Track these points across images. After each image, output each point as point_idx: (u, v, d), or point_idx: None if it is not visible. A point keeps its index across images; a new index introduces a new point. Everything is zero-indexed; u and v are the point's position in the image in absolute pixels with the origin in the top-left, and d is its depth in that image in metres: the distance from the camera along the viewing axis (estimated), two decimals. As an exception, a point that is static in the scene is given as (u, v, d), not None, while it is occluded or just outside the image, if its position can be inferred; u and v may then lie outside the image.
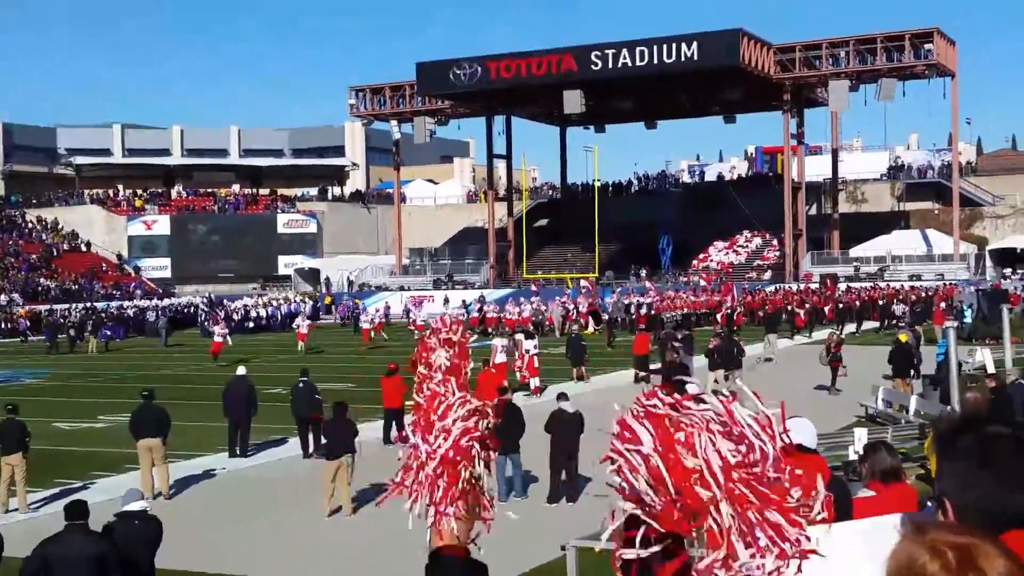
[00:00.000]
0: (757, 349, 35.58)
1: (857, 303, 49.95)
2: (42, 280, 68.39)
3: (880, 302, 50.20)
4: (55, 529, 9.30)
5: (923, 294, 51.90)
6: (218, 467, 19.49)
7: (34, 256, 72.21)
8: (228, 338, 40.36)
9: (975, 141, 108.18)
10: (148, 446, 17.02)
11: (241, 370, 22.16)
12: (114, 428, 24.05)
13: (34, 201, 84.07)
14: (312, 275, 77.56)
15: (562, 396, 16.87)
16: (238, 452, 20.18)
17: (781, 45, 60.75)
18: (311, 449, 19.89)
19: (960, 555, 1.79)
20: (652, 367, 28.09)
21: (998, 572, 1.78)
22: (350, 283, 72.54)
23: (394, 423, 20.89)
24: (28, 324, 56.38)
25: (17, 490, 16.07)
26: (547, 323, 49.14)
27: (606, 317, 48.36)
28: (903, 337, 26.90)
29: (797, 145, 65.45)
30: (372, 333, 45.41)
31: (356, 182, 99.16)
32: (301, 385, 20.67)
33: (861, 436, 16.83)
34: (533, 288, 60.14)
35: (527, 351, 28.36)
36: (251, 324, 57.39)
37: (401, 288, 68.98)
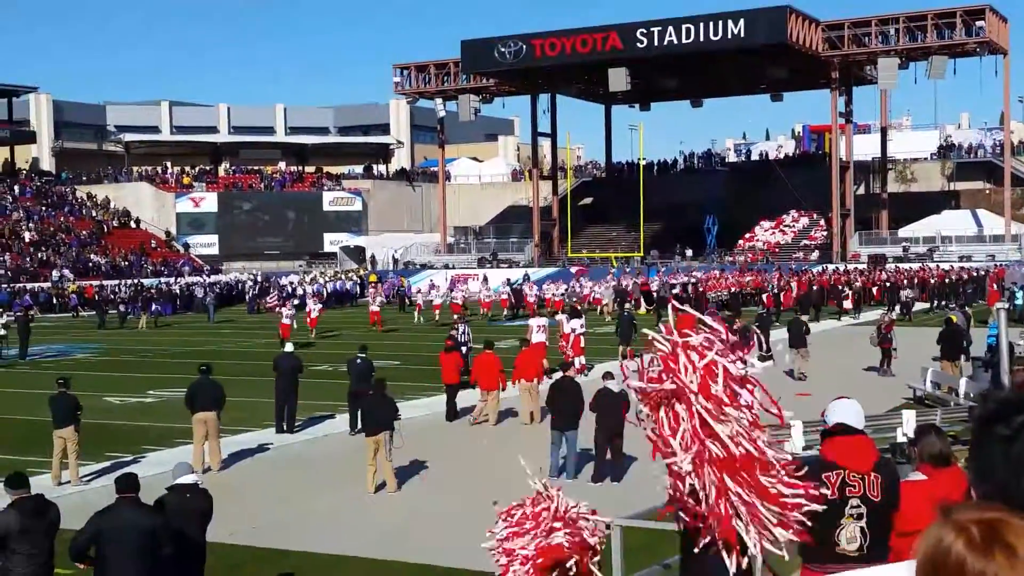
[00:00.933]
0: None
1: (906, 283, 49.41)
2: (93, 256, 69.25)
3: (931, 282, 49.64)
4: (107, 502, 9.45)
5: (973, 274, 51.25)
6: (266, 442, 19.69)
7: (84, 232, 73.12)
8: (294, 320, 38.60)
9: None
10: (203, 419, 17.25)
11: (289, 347, 22.37)
12: (164, 403, 24.41)
13: (84, 178, 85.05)
14: (357, 253, 77.94)
15: (608, 375, 16.85)
16: (285, 428, 20.37)
17: (829, 22, 59.96)
18: (358, 426, 20.07)
19: (985, 530, 1.76)
20: None
21: None
22: (395, 261, 72.85)
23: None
24: (79, 300, 57.21)
25: (69, 463, 16.33)
26: (585, 303, 47.80)
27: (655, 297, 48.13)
28: (954, 318, 26.61)
29: (845, 124, 64.68)
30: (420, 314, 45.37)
31: (401, 160, 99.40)
32: (359, 361, 20.92)
33: (909, 418, 16.68)
34: (574, 270, 59.97)
35: (573, 330, 28.31)
36: (296, 301, 57.72)
37: (446, 266, 69.18)
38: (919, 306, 47.08)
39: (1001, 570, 1.71)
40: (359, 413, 19.82)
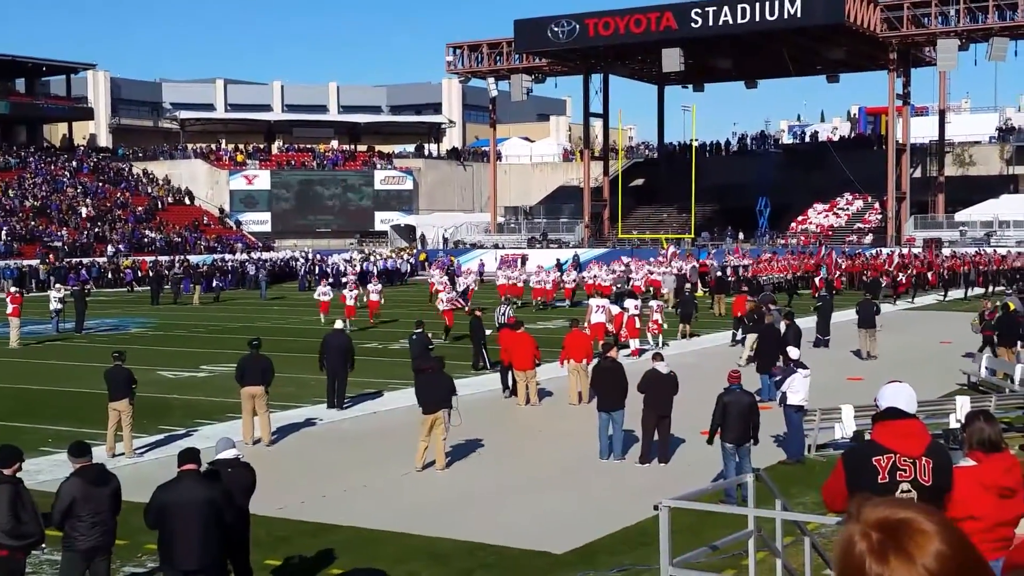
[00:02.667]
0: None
1: (963, 268, 48.72)
2: (148, 232, 70.14)
3: (983, 268, 48.89)
4: (159, 473, 9.63)
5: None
6: (315, 418, 19.88)
7: (140, 208, 74.05)
8: (357, 300, 37.86)
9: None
10: (252, 394, 17.45)
11: (339, 324, 22.55)
12: (216, 378, 24.71)
13: (140, 154, 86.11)
14: (408, 231, 78.24)
15: (657, 356, 16.82)
16: (336, 404, 20.56)
17: (888, 2, 59.00)
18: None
19: (885, 535, 1.74)
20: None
21: (928, 554, 1.71)
22: (445, 240, 73.05)
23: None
24: (135, 274, 58.02)
25: (123, 435, 16.58)
26: (646, 287, 45.60)
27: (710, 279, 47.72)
28: (1011, 305, 26.20)
29: (903, 106, 63.73)
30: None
31: (452, 139, 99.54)
32: (415, 336, 21.12)
33: (963, 404, 16.50)
34: (626, 260, 59.30)
35: (626, 310, 28.26)
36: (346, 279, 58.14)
37: (496, 246, 69.24)
38: (975, 291, 46.48)
39: (896, 575, 1.70)
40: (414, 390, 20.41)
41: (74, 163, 78.96)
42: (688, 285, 41.35)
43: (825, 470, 14.32)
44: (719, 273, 45.47)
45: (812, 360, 19.13)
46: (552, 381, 22.36)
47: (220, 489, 9.18)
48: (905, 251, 54.82)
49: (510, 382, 21.70)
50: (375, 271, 60.27)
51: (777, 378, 18.06)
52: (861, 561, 1.75)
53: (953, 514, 5.65)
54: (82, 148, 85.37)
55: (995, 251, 53.17)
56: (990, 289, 46.44)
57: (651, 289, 43.51)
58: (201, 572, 8.93)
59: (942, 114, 69.54)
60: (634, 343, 27.53)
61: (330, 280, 46.32)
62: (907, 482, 5.67)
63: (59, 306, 35.82)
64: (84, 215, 69.81)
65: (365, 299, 39.18)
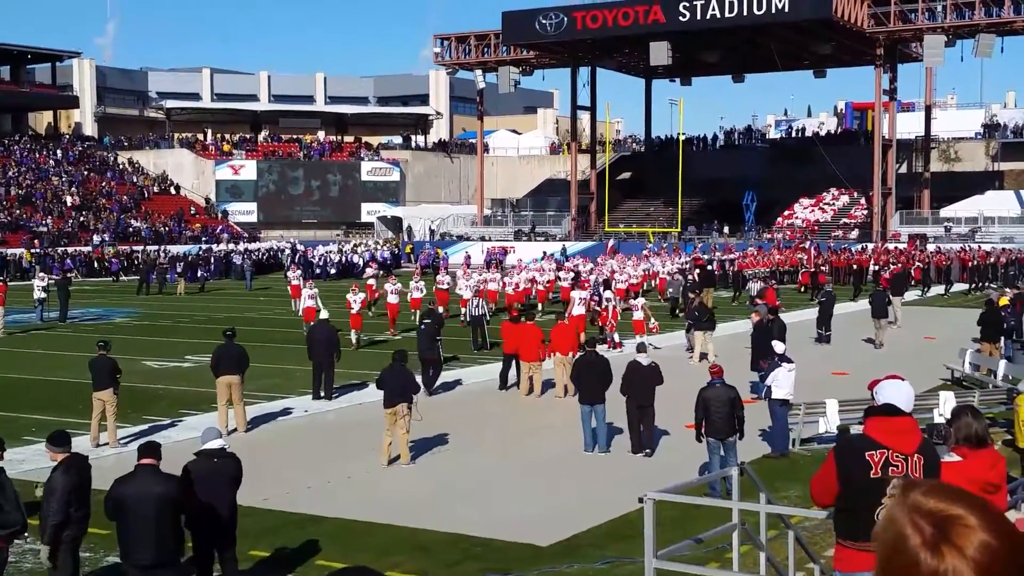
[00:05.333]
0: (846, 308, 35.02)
1: (947, 264, 48.89)
2: (133, 222, 69.84)
3: (971, 264, 49.08)
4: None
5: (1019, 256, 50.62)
6: (301, 409, 19.84)
7: (125, 198, 73.72)
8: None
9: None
10: (227, 383, 17.46)
11: (324, 314, 22.53)
12: (201, 368, 24.59)
13: (125, 143, 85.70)
14: (394, 223, 78.13)
15: (641, 348, 16.87)
16: (323, 395, 20.54)
17: (876, -2, 59.22)
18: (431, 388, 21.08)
19: (937, 529, 1.76)
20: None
21: (975, 547, 1.74)
22: (432, 232, 72.97)
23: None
24: (119, 264, 57.80)
25: (108, 425, 16.53)
26: (645, 282, 43.73)
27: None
28: (1003, 300, 26.34)
29: (889, 101, 63.92)
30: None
31: (440, 131, 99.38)
32: (423, 327, 21.30)
33: (947, 400, 16.58)
34: (607, 253, 59.19)
35: (610, 300, 28.32)
36: (333, 270, 58.14)
37: (482, 238, 69.21)
38: (959, 287, 46.69)
39: (953, 568, 1.72)
40: (433, 377, 21.26)
41: (59, 152, 78.53)
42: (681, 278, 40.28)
43: (809, 464, 14.39)
44: (708, 267, 45.32)
45: (798, 355, 19.18)
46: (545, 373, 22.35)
47: (175, 487, 9.11)
48: (891, 246, 55.00)
49: (512, 376, 21.70)
50: (362, 263, 60.30)
51: (762, 372, 18.12)
52: (916, 555, 1.77)
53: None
54: (67, 137, 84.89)
55: (979, 247, 53.40)
56: (975, 285, 46.65)
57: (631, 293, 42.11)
58: (156, 567, 8.85)
59: (928, 110, 69.80)
60: (614, 336, 27.51)
61: (316, 271, 46.12)
62: (898, 478, 5.69)
63: (43, 295, 35.66)
64: (69, 204, 69.47)
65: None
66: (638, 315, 27.52)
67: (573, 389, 19.99)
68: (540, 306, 36.49)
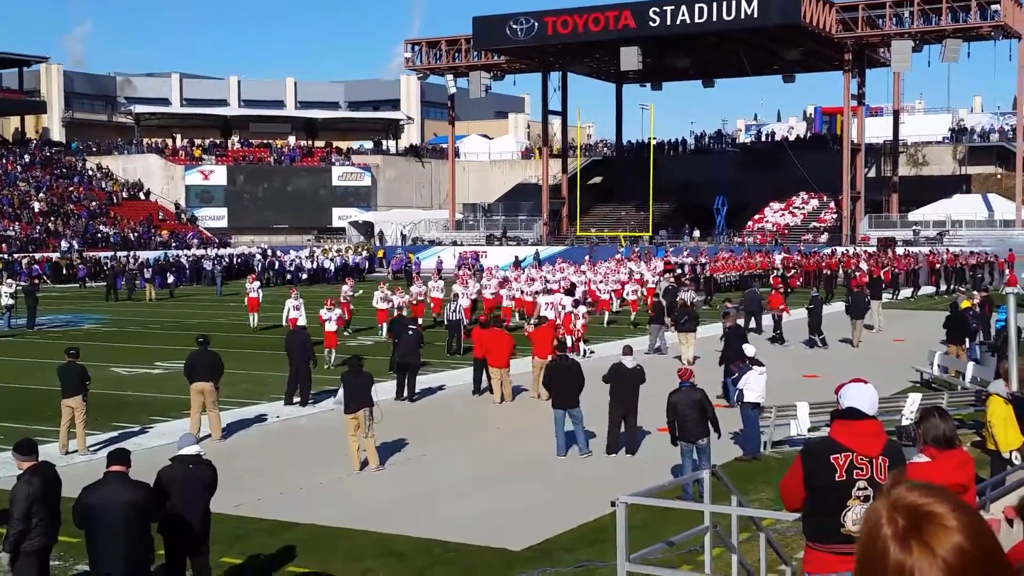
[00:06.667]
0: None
1: (915, 267, 49.22)
2: (101, 228, 69.32)
3: (938, 266, 49.44)
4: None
5: (986, 259, 51.07)
6: (273, 415, 19.75)
7: (93, 204, 73.15)
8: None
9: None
10: (200, 389, 17.37)
11: (302, 321, 22.52)
12: (171, 374, 24.47)
13: (94, 149, 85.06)
14: (366, 228, 77.94)
15: (626, 350, 16.89)
16: (298, 401, 20.47)
17: (844, 3, 59.63)
18: (406, 394, 21.21)
19: (910, 523, 1.78)
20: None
21: (947, 549, 1.75)
22: (403, 237, 72.85)
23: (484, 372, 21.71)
24: (87, 270, 57.33)
25: (77, 432, 16.40)
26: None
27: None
28: (965, 303, 26.56)
29: (857, 106, 64.39)
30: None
31: (411, 136, 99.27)
32: (410, 333, 21.46)
33: (915, 401, 16.71)
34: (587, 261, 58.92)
35: (564, 307, 28.35)
36: (304, 276, 57.96)
37: (454, 243, 69.16)
38: (927, 290, 47.10)
39: (918, 564, 1.74)
40: (412, 383, 21.36)
41: (26, 157, 77.86)
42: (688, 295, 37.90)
43: (780, 467, 14.45)
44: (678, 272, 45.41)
45: (769, 358, 19.28)
46: (520, 377, 22.33)
47: (144, 494, 9.04)
48: (861, 250, 55.36)
49: (484, 381, 21.72)
50: (333, 268, 60.16)
51: (734, 376, 18.20)
52: (885, 545, 1.79)
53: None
54: (35, 142, 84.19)
55: (947, 250, 53.85)
56: (942, 288, 47.04)
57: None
58: (126, 575, 8.81)
59: (896, 114, 70.37)
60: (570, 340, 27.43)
61: (300, 274, 45.79)
62: (864, 480, 5.75)
63: (11, 301, 35.34)
64: (36, 210, 68.87)
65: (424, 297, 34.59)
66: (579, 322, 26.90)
67: (547, 394, 20.09)
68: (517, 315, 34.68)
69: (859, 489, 5.73)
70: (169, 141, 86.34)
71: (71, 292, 52.35)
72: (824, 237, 63.85)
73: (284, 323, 27.90)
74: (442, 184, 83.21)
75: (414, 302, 32.85)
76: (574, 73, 74.20)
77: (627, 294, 36.80)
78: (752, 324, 31.20)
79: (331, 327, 25.76)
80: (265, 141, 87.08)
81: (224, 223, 79.25)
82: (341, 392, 15.80)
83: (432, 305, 34.78)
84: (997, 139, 75.33)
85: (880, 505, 1.85)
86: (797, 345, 29.13)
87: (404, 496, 14.09)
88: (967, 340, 24.54)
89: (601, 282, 38.28)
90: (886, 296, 42.30)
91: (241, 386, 22.36)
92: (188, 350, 18.68)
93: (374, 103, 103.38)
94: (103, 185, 77.90)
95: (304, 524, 12.74)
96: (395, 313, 29.35)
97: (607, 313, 35.61)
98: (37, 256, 59.20)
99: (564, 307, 28.13)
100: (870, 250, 55.45)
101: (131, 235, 68.78)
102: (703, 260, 51.47)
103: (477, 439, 18.05)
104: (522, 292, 34.79)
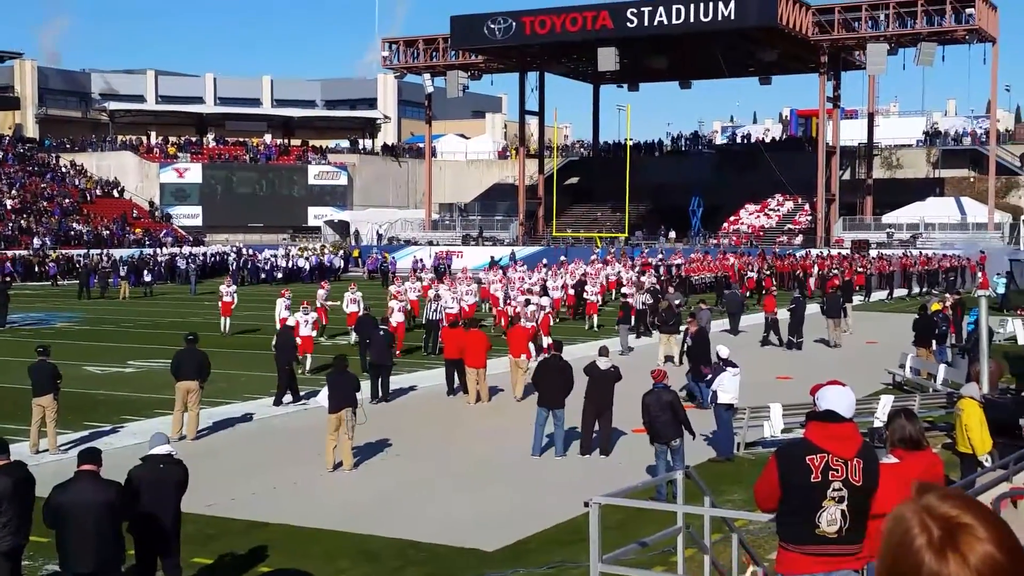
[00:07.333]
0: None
1: (890, 270, 49.52)
2: (75, 225, 68.83)
3: (911, 270, 49.74)
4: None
5: (958, 262, 51.42)
6: (247, 414, 19.66)
7: (67, 201, 72.64)
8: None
9: (1014, 109, 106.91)
10: (187, 388, 17.30)
11: (290, 321, 22.51)
12: (144, 373, 24.33)
13: (68, 145, 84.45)
14: (342, 227, 77.74)
15: (603, 351, 16.87)
16: (286, 400, 20.45)
17: (820, 6, 59.97)
18: (380, 394, 21.08)
19: (945, 533, 1.79)
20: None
21: (978, 557, 1.77)
22: (379, 236, 72.70)
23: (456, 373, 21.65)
24: (58, 268, 56.91)
25: (48, 431, 16.28)
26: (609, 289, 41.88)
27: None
28: (935, 306, 26.72)
29: (833, 108, 64.73)
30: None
31: (387, 135, 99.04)
32: (383, 333, 21.47)
33: (886, 404, 16.79)
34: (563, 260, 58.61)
35: (541, 308, 28.40)
36: (279, 275, 57.71)
37: (430, 243, 69.06)
38: (899, 292, 47.38)
39: (954, 574, 1.75)
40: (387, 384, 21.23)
41: (-1, 153, 77.28)
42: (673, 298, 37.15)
43: (754, 468, 14.49)
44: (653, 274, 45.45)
45: (743, 359, 19.32)
46: (497, 377, 22.29)
47: (116, 492, 8.99)
48: (835, 252, 55.62)
49: (456, 381, 21.66)
50: (308, 267, 59.99)
51: (707, 377, 18.24)
52: (920, 556, 1.79)
53: (874, 511, 5.76)
54: (7, 138, 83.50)
55: (921, 253, 54.22)
56: (920, 291, 47.30)
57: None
58: (97, 575, 8.76)
59: (871, 117, 70.77)
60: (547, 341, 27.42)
61: (275, 273, 45.48)
62: (839, 481, 5.77)
63: (-18, 299, 35.00)
64: (9, 207, 68.31)
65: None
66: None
67: (524, 393, 20.13)
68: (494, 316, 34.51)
69: (834, 490, 5.75)
70: (144, 138, 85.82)
71: (43, 290, 51.95)
72: (799, 239, 64.15)
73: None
74: (418, 184, 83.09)
75: (413, 298, 33.12)
76: (551, 73, 74.27)
77: (589, 295, 35.79)
78: (728, 326, 31.32)
79: (307, 331, 24.72)
80: (241, 139, 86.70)
81: (199, 221, 78.86)
82: (324, 391, 15.75)
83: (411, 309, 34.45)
84: (970, 143, 75.91)
85: (909, 513, 1.84)
86: (752, 345, 28.82)
87: (377, 496, 14.05)
88: (934, 342, 24.72)
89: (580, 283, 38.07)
90: (857, 299, 42.57)
91: (215, 385, 22.21)
92: (161, 349, 18.63)
93: (351, 102, 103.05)
94: (76, 182, 77.35)
95: (277, 524, 12.68)
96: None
97: (595, 317, 35.03)
98: (8, 253, 58.73)
99: (544, 308, 28.18)
100: (844, 252, 55.73)
101: (104, 233, 68.33)
102: (678, 261, 51.62)
103: (451, 440, 18.03)
104: (508, 296, 34.39)
